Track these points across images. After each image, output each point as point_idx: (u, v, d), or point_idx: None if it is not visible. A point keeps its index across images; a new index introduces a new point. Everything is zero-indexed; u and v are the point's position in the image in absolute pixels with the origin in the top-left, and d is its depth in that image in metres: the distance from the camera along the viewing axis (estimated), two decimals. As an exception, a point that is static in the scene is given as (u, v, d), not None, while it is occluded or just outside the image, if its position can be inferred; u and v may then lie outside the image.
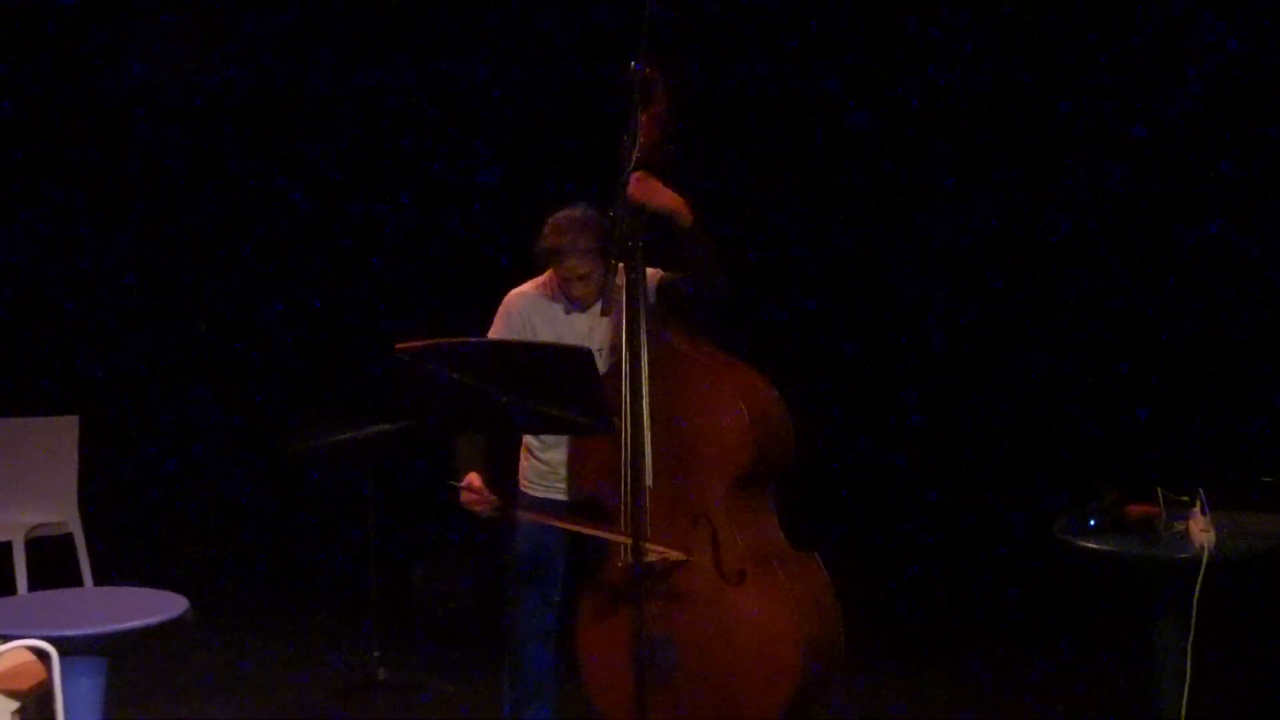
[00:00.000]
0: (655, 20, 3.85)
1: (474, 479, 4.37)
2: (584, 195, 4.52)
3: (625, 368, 4.03)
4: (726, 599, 4.11)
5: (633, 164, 4.03)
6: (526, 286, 4.58)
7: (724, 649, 4.09)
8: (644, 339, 4.07)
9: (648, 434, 4.09)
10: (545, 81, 7.15)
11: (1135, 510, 4.46)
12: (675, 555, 4.12)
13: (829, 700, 4.28)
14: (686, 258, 4.17)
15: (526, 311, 4.51)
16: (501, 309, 4.56)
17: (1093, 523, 4.45)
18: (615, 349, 4.30)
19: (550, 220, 4.46)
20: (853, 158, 6.97)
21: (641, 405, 4.06)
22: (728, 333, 4.29)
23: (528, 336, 4.47)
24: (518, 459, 4.65)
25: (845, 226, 7.06)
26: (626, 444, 4.03)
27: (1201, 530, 4.27)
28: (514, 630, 4.60)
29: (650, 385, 4.11)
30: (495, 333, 4.53)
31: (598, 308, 4.41)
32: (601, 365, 4.33)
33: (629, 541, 3.98)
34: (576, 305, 4.48)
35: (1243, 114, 6.23)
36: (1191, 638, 4.25)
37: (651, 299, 4.22)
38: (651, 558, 4.06)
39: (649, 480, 4.09)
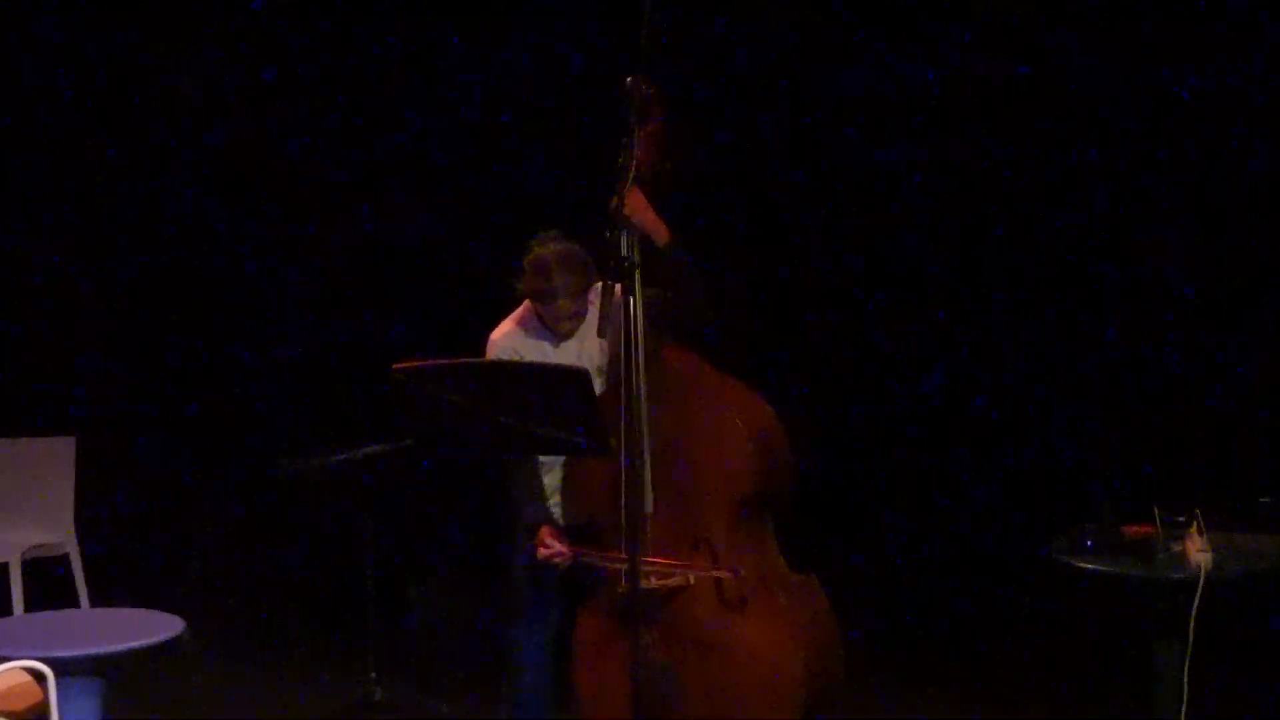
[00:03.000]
0: (653, 36, 3.86)
1: (546, 533, 4.31)
2: (568, 218, 4.49)
3: (624, 390, 4.02)
4: (728, 625, 4.09)
5: (630, 181, 4.03)
6: (507, 325, 4.52)
7: (725, 675, 4.07)
8: (641, 360, 4.06)
9: (647, 458, 4.08)
10: (541, 97, 7.16)
11: (1132, 531, 4.46)
12: (675, 581, 4.11)
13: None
14: (663, 276, 4.15)
15: (511, 347, 4.47)
16: (487, 354, 4.52)
17: (1089, 543, 4.44)
18: (612, 371, 4.29)
19: (531, 259, 4.38)
20: (849, 176, 6.97)
21: (640, 428, 4.05)
22: (715, 349, 4.28)
23: None
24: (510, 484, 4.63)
25: (839, 247, 7.06)
26: (624, 468, 4.01)
27: (1198, 551, 4.27)
28: (512, 655, 4.59)
29: (649, 408, 4.09)
30: None
31: (583, 331, 4.41)
32: (598, 387, 4.33)
33: (629, 565, 3.96)
34: (563, 337, 4.46)
35: (1242, 128, 6.24)
36: (1189, 658, 4.25)
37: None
38: (651, 584, 4.05)
39: (649, 505, 4.07)
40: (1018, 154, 6.69)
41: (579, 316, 4.39)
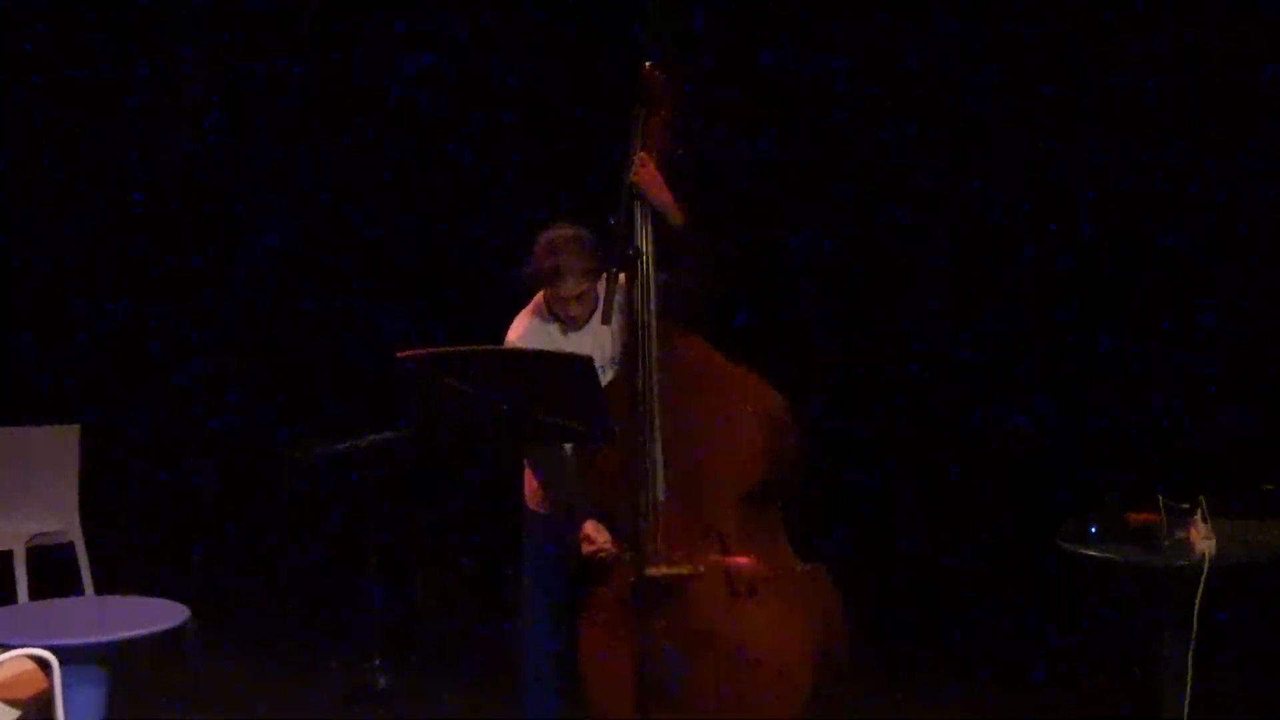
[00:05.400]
0: (661, 20, 3.86)
1: (590, 528, 4.27)
2: (579, 207, 4.51)
3: (639, 377, 4.04)
4: (737, 614, 4.09)
5: (637, 153, 4.05)
6: (520, 323, 4.52)
7: (734, 664, 4.07)
8: (654, 349, 4.07)
9: (659, 445, 4.09)
10: (551, 83, 7.15)
11: (1136, 518, 4.45)
12: (685, 569, 4.11)
13: (834, 713, 4.27)
14: (674, 257, 4.16)
15: (528, 345, 4.47)
16: None
17: (1094, 530, 4.44)
18: (624, 360, 4.29)
19: (542, 241, 4.39)
20: (860, 161, 6.96)
21: (652, 415, 4.06)
22: (723, 336, 4.29)
23: None
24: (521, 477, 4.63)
25: (847, 234, 7.05)
26: (635, 455, 4.01)
27: (1203, 538, 4.27)
28: (519, 641, 4.60)
29: (661, 397, 4.09)
30: None
31: (596, 321, 4.40)
32: (610, 377, 4.33)
33: (638, 552, 3.97)
34: (572, 324, 4.46)
35: (1244, 118, 6.23)
36: (1193, 645, 4.25)
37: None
38: (659, 571, 4.05)
39: (661, 492, 4.08)
40: (1011, 141, 6.69)
41: (587, 300, 4.40)
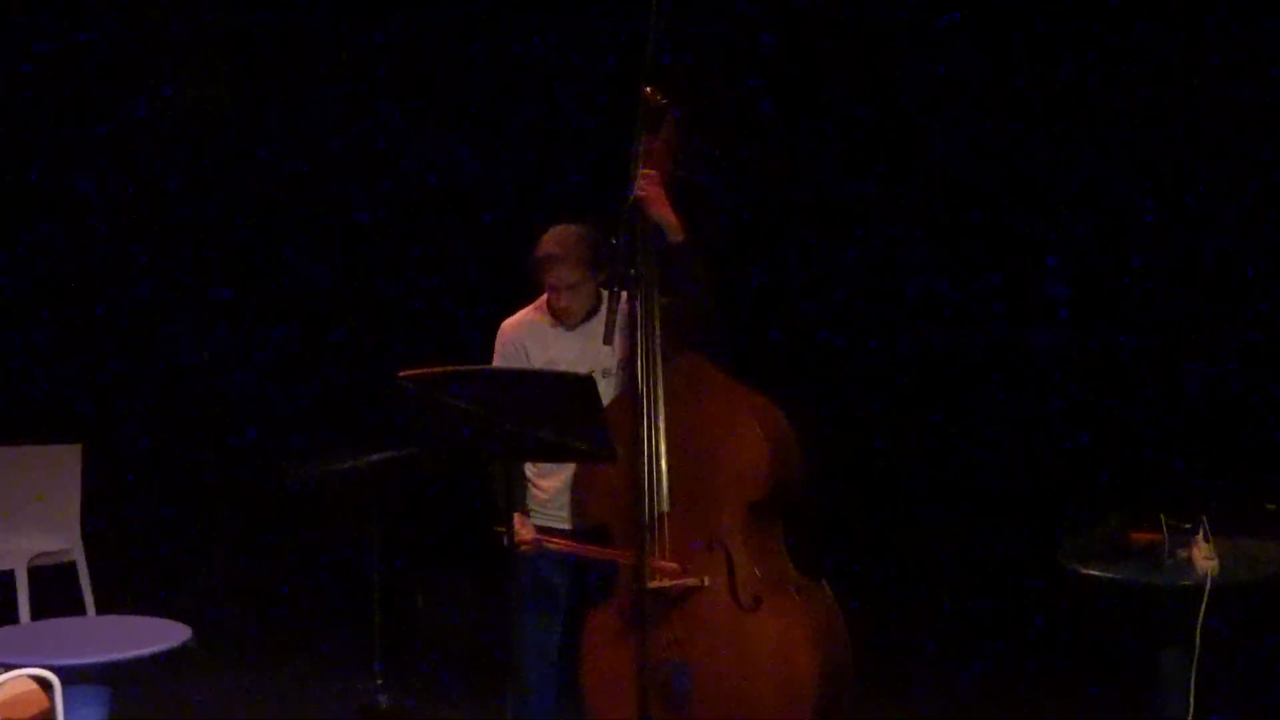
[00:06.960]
0: (661, 45, 3.88)
1: (517, 521, 4.34)
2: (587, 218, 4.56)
3: (643, 392, 4.06)
4: (742, 625, 4.12)
5: (637, 169, 4.08)
6: (518, 314, 4.60)
7: (739, 676, 4.10)
8: (659, 364, 4.10)
9: (664, 459, 4.13)
10: (554, 105, 7.16)
11: (1138, 537, 4.45)
12: (690, 581, 4.13)
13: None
14: (674, 276, 4.19)
15: (519, 338, 4.54)
16: (497, 340, 4.59)
17: (1096, 550, 4.44)
18: (627, 375, 4.31)
19: (546, 232, 4.50)
20: (853, 175, 6.96)
21: (657, 431, 4.10)
22: (715, 353, 4.31)
23: (521, 362, 4.48)
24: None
25: (845, 255, 7.05)
26: (644, 468, 4.05)
27: (1205, 557, 4.27)
28: (517, 659, 4.60)
29: (667, 411, 4.13)
30: (494, 364, 4.55)
31: (593, 328, 4.43)
32: (615, 389, 4.36)
33: (652, 562, 3.99)
34: (563, 320, 4.50)
35: (1248, 132, 6.22)
36: (1195, 665, 4.24)
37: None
38: (664, 583, 4.08)
39: (666, 505, 4.11)
40: (1019, 151, 6.68)
41: (580, 295, 4.44)
